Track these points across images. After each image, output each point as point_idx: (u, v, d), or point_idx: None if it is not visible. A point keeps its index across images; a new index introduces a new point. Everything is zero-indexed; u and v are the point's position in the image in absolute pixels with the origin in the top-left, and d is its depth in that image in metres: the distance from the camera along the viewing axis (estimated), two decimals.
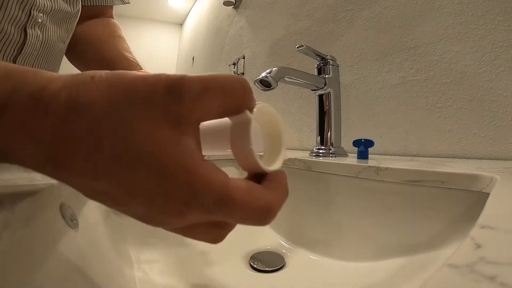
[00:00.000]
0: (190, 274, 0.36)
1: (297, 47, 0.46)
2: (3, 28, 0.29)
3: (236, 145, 0.14)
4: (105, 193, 0.11)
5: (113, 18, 0.51)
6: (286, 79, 0.43)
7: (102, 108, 0.11)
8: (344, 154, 0.49)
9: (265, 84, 0.41)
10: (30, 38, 0.33)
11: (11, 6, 0.29)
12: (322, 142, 0.50)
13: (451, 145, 0.43)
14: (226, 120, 0.14)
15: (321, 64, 0.50)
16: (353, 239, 0.36)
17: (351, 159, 0.42)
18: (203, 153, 0.13)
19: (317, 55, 0.49)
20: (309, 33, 0.74)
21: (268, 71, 0.41)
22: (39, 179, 0.20)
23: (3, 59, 0.31)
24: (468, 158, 0.41)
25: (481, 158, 0.40)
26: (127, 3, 0.54)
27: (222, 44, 1.36)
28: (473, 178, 0.25)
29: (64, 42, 0.41)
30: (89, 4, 0.47)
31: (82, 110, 0.11)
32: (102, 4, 0.49)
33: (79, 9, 0.42)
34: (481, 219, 0.13)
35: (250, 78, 1.05)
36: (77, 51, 0.44)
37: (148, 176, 0.11)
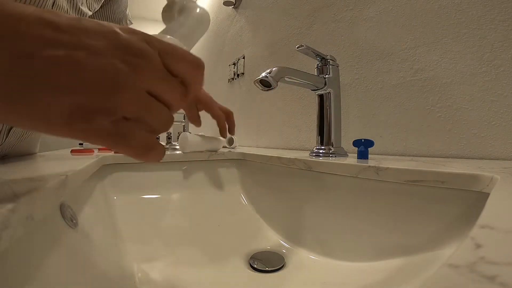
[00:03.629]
0: (190, 274, 0.36)
1: (297, 47, 0.46)
2: None
3: None
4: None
5: None
6: (286, 79, 0.43)
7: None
8: (344, 154, 0.49)
9: (265, 84, 0.41)
10: None
11: None
12: (322, 142, 0.50)
13: (451, 145, 0.43)
14: None
15: (321, 64, 0.50)
16: (353, 239, 0.36)
17: (351, 159, 0.42)
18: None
19: (317, 55, 0.49)
20: (309, 33, 0.74)
21: (268, 71, 0.41)
22: (39, 179, 0.20)
23: None
24: (468, 158, 0.41)
25: (481, 158, 0.40)
26: (131, 24, 0.57)
27: (222, 44, 1.36)
28: (473, 178, 0.25)
29: None
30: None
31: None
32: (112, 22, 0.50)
33: None
34: (481, 219, 0.13)
35: (250, 78, 1.05)
36: None
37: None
